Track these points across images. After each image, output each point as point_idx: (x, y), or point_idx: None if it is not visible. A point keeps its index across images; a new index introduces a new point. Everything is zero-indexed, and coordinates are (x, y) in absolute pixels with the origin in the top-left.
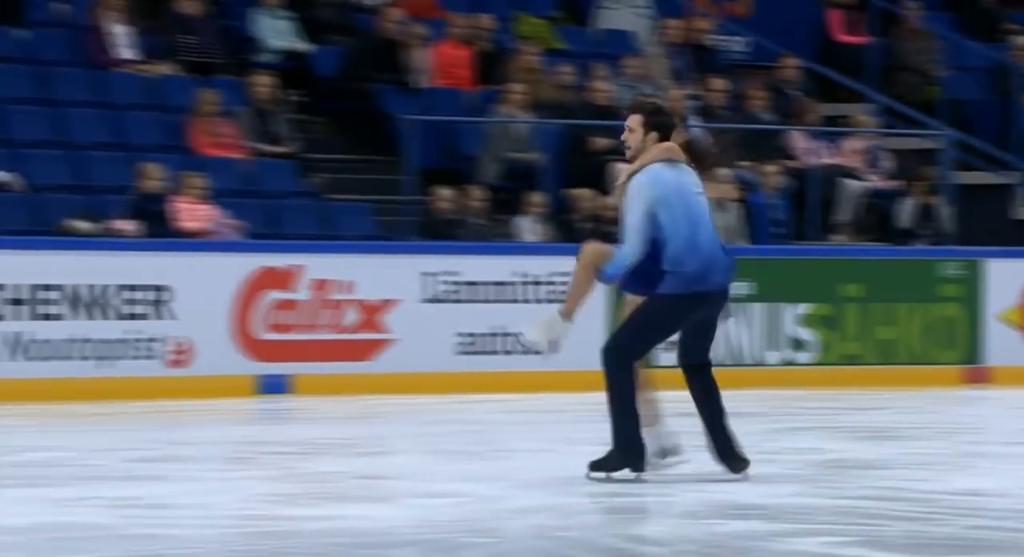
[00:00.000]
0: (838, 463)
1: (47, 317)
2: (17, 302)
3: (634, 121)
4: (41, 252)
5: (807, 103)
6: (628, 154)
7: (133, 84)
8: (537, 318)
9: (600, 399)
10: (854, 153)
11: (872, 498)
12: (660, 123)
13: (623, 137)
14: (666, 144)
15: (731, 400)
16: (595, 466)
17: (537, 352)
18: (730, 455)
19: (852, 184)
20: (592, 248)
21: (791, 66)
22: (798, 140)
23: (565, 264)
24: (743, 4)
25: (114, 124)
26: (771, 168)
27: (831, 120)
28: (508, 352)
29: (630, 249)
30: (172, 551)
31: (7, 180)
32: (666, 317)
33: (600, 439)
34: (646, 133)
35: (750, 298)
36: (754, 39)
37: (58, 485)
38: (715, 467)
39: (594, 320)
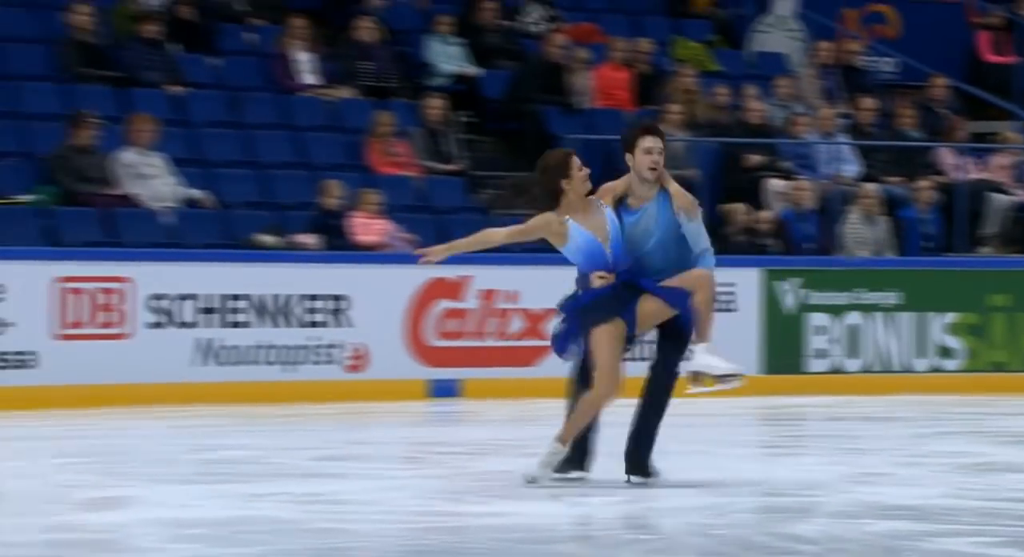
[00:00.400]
0: (985, 466)
1: (236, 325)
2: (208, 311)
3: (661, 144)
4: (230, 264)
5: (955, 121)
6: (655, 175)
7: (315, 107)
8: (706, 355)
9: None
10: (1001, 168)
11: (1020, 500)
12: None
13: (656, 160)
14: None
15: (881, 405)
16: (642, 471)
17: (732, 380)
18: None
19: (999, 198)
20: (706, 274)
21: (940, 85)
22: (947, 156)
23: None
24: (893, 26)
25: (297, 145)
26: (921, 184)
27: (979, 137)
28: None
29: (712, 257)
30: (350, 544)
31: (200, 197)
32: None
33: (755, 441)
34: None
35: (899, 308)
36: (903, 60)
37: (246, 481)
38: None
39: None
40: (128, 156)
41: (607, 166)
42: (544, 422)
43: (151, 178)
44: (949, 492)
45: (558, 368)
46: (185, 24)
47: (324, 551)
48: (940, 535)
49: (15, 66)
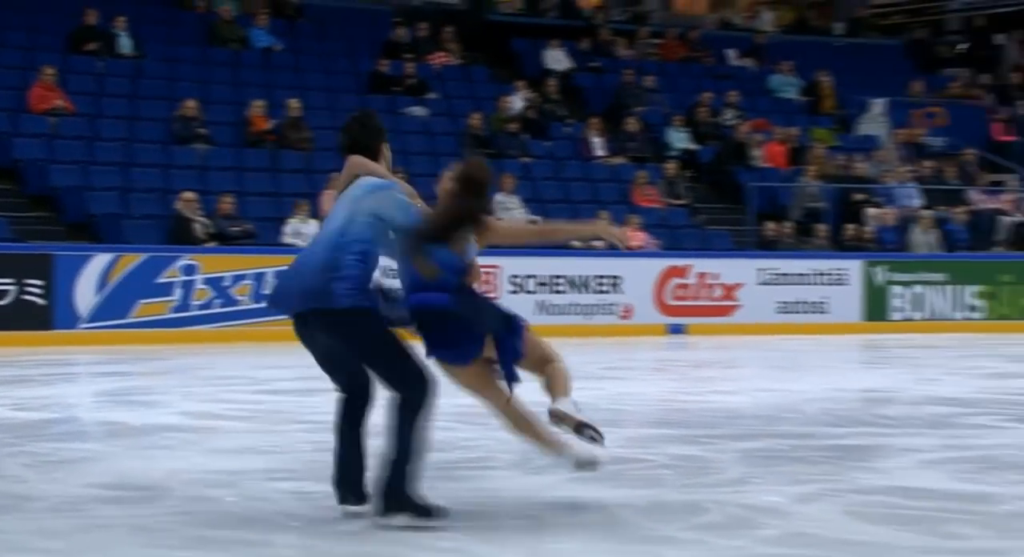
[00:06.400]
0: (999, 375)
1: (558, 293)
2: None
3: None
4: (567, 258)
5: (978, 174)
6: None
7: (604, 169)
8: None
9: None
10: (1007, 202)
11: (1020, 393)
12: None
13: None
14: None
15: (933, 340)
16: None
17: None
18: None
19: (1005, 220)
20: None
21: (969, 154)
22: (974, 195)
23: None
24: (942, 119)
25: (593, 190)
26: (958, 210)
27: (993, 183)
28: None
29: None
30: (621, 418)
31: (537, 221)
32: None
33: (856, 359)
34: None
35: (945, 282)
36: (949, 139)
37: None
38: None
39: (855, 294)
40: (499, 197)
41: (769, 200)
42: (738, 349)
43: (511, 210)
44: (976, 389)
45: (748, 315)
46: (531, 122)
47: (608, 413)
48: (972, 415)
49: (440, 148)
